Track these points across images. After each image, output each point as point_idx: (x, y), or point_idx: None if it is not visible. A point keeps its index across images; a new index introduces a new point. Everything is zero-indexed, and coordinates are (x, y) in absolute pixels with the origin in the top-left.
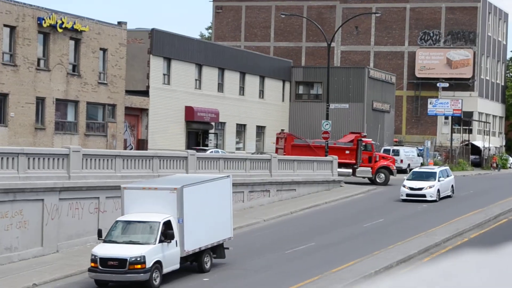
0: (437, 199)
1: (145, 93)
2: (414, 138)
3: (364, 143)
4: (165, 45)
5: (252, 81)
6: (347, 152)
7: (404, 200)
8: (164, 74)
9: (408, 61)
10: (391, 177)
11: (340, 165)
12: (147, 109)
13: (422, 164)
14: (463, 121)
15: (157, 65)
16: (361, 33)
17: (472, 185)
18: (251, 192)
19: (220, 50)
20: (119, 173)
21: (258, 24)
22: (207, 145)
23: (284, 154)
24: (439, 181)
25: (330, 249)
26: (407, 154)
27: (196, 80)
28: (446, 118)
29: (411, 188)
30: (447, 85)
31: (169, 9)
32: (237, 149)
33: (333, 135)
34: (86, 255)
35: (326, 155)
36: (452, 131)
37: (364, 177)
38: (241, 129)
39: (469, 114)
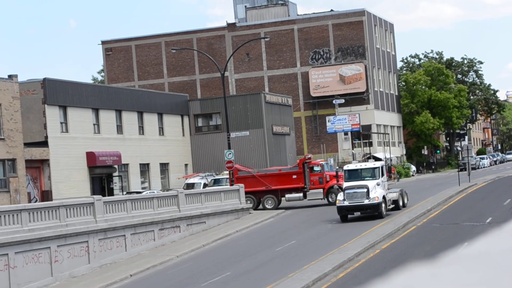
0: None
1: (44, 143)
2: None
3: (311, 165)
4: (59, 93)
5: (150, 119)
6: (294, 176)
7: None
8: (61, 123)
9: (302, 82)
10: None
11: (291, 190)
12: (48, 160)
13: None
14: (362, 134)
15: (53, 114)
16: (253, 59)
17: None
18: (161, 230)
19: (115, 92)
20: (26, 227)
21: (149, 61)
22: (112, 189)
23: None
24: None
25: (246, 277)
26: None
27: (94, 124)
28: (346, 133)
29: None
30: (342, 101)
31: (59, 57)
32: (143, 188)
33: (240, 162)
34: None
35: (232, 184)
36: (353, 146)
37: (321, 199)
38: (144, 168)
39: (368, 127)
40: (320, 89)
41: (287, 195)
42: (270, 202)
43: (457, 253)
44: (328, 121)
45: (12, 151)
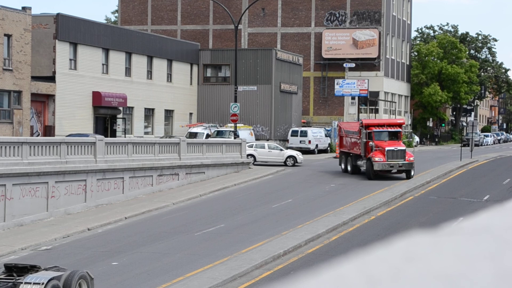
0: None
1: (51, 79)
2: (321, 119)
3: (368, 131)
4: (71, 30)
5: (159, 65)
6: (358, 142)
7: None
8: (70, 59)
9: (315, 42)
10: (375, 168)
11: (358, 157)
12: (53, 95)
13: (330, 145)
14: (369, 101)
15: (63, 50)
16: (268, 14)
17: None
18: (160, 176)
19: (127, 34)
20: (26, 160)
21: (164, 7)
22: (115, 131)
23: (336, 144)
24: None
25: (240, 230)
26: (315, 135)
27: (103, 64)
28: (353, 98)
29: None
30: (353, 65)
31: None
32: (146, 133)
33: (242, 118)
34: None
35: (235, 137)
36: (359, 111)
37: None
38: (149, 113)
39: (375, 94)
40: (332, 51)
41: (358, 161)
42: (349, 164)
43: (458, 225)
44: (337, 84)
45: (18, 83)
